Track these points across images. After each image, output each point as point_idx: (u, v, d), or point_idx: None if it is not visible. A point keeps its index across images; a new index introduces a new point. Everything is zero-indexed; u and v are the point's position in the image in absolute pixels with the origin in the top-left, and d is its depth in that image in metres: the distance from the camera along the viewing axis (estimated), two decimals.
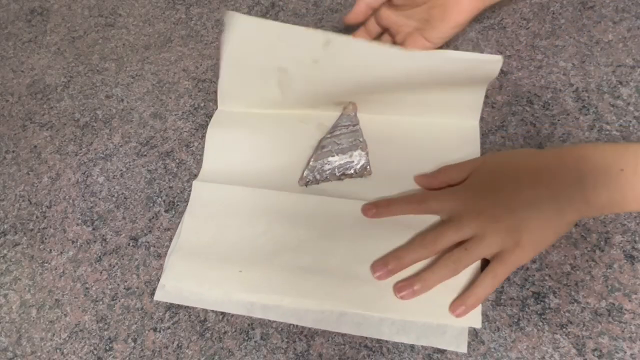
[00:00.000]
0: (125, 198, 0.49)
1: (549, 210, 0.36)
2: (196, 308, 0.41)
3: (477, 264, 0.39)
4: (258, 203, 0.45)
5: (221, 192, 0.46)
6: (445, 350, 0.37)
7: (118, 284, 0.43)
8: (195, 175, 0.49)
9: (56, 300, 0.43)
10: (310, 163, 0.45)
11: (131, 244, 0.46)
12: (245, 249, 0.42)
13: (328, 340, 0.39)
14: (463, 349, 0.37)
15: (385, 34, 0.52)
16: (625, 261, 0.39)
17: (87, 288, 0.44)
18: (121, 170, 0.51)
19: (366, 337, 0.38)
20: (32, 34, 0.66)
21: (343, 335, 0.39)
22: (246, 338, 0.39)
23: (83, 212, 0.48)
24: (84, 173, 0.51)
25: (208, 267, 0.42)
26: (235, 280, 0.41)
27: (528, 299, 0.38)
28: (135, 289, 0.43)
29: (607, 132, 0.45)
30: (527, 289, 0.39)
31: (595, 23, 0.53)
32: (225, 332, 0.40)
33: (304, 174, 0.46)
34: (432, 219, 0.41)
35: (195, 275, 0.42)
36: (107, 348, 0.40)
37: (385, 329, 0.38)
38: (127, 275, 0.44)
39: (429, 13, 0.47)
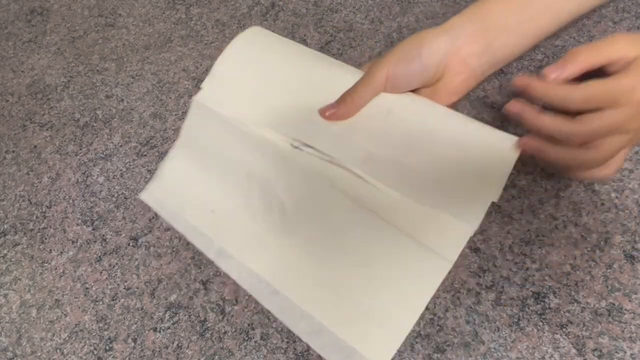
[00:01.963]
0: (125, 198, 0.49)
1: None
2: (196, 308, 0.41)
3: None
4: (250, 152, 0.41)
5: (220, 120, 0.42)
6: (445, 350, 0.37)
7: (118, 284, 0.43)
8: None
9: (56, 300, 0.43)
10: None
11: (131, 244, 0.46)
12: (222, 191, 0.41)
13: None
14: None
15: None
16: (625, 261, 0.39)
17: (87, 288, 0.44)
18: (121, 170, 0.51)
19: None
20: (32, 34, 0.66)
21: None
22: (246, 338, 0.39)
23: (83, 212, 0.48)
24: (84, 173, 0.51)
25: (189, 191, 0.41)
26: (206, 216, 0.40)
27: (528, 299, 0.38)
28: (135, 289, 0.43)
29: None
30: (527, 289, 0.39)
31: (595, 23, 0.53)
32: (225, 332, 0.40)
33: None
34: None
35: (177, 194, 0.41)
36: (107, 348, 0.40)
37: (302, 324, 0.36)
38: (127, 275, 0.44)
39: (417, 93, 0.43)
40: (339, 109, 0.39)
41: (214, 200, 0.41)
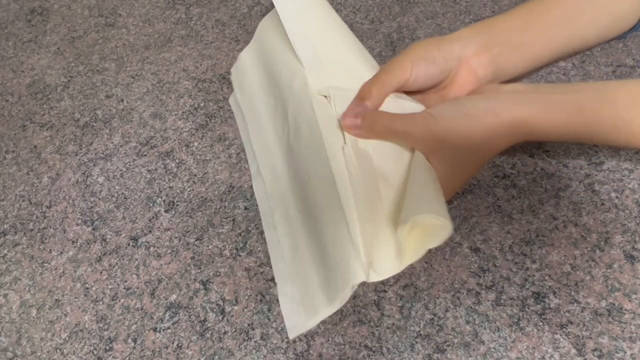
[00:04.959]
0: (125, 198, 0.49)
1: None
2: (196, 308, 0.41)
3: None
4: (288, 67, 0.41)
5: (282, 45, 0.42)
6: (445, 350, 0.37)
7: (118, 284, 0.43)
8: (195, 175, 0.49)
9: (56, 300, 0.43)
10: None
11: (131, 244, 0.46)
12: (266, 91, 0.44)
13: (328, 340, 0.39)
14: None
15: None
16: (625, 261, 0.39)
17: (87, 288, 0.44)
18: (121, 170, 0.51)
19: (366, 337, 0.38)
20: (32, 34, 0.66)
21: (343, 335, 0.39)
22: (246, 338, 0.39)
23: (83, 212, 0.48)
24: (84, 173, 0.51)
25: (253, 86, 0.45)
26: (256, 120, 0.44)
27: (528, 299, 0.38)
28: (135, 289, 0.43)
29: None
30: (527, 289, 0.39)
31: None
32: (225, 332, 0.40)
33: None
34: None
35: (246, 85, 0.46)
36: (107, 348, 0.40)
37: (281, 264, 0.37)
38: (127, 275, 0.44)
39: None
40: (366, 105, 0.38)
41: (261, 98, 0.44)
